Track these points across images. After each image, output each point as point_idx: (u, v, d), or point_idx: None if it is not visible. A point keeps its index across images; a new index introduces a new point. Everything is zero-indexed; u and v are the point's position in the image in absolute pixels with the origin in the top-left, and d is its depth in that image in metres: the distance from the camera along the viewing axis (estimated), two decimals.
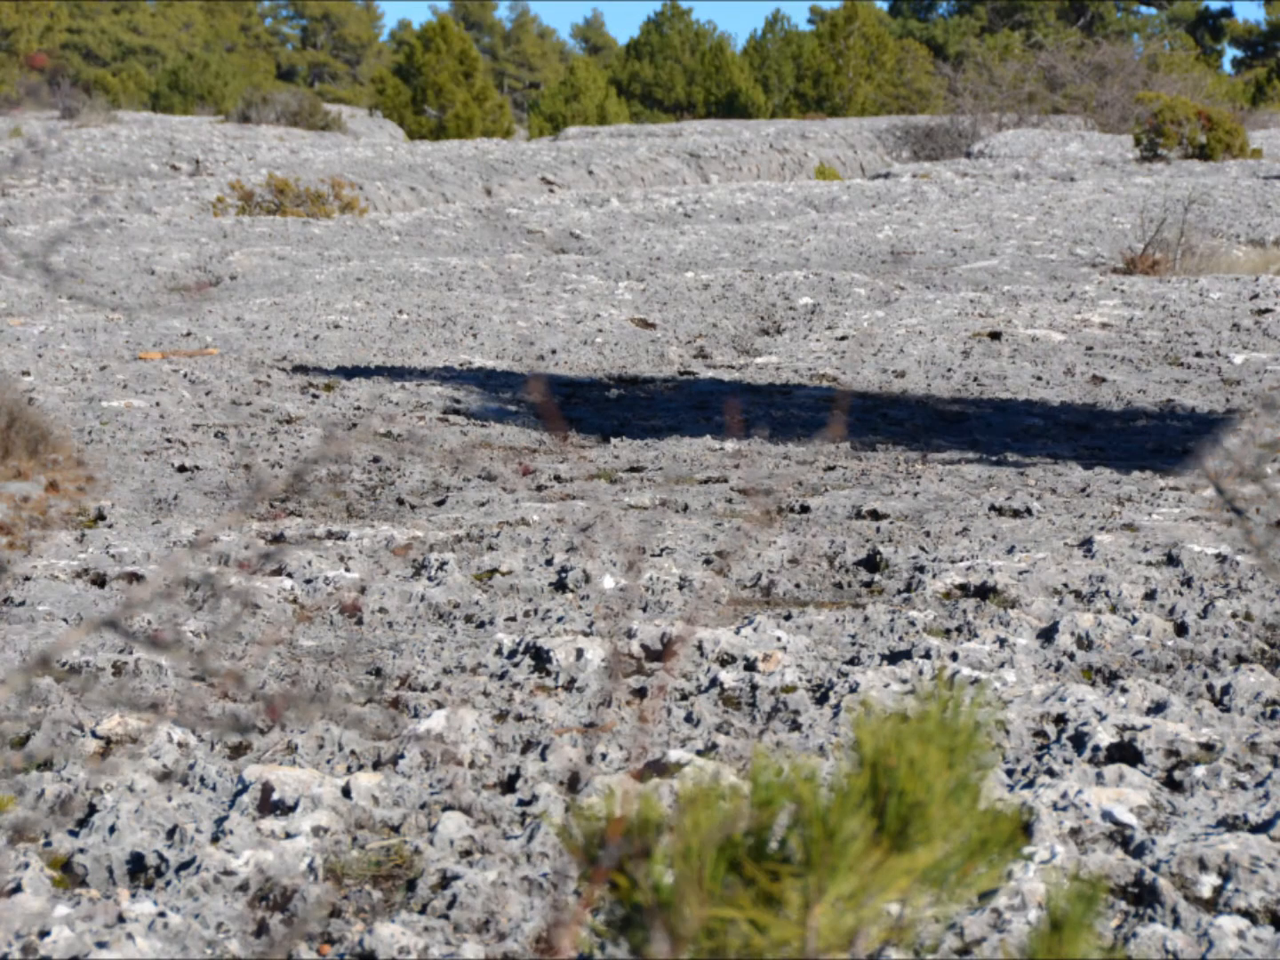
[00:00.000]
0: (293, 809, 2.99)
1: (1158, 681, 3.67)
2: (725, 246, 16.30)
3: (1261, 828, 2.84)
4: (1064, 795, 2.94)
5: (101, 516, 5.60)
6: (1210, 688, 3.58)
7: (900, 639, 3.95)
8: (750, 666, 3.74)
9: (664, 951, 1.43)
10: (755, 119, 46.25)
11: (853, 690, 3.55)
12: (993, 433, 7.36)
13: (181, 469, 6.60)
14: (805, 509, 5.55)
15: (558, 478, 6.41)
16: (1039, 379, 8.82)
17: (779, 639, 3.87)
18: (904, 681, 3.61)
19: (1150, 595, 4.30)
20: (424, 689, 3.68)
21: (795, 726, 3.44)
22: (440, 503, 6.00)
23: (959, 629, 4.04)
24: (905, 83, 49.55)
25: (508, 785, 3.17)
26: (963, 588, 4.42)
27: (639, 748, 3.30)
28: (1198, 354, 9.32)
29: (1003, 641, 3.90)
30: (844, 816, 1.41)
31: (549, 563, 4.74)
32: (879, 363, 9.38)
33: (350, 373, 9.01)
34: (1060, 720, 3.37)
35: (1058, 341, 9.71)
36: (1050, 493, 5.73)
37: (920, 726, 1.45)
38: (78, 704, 3.55)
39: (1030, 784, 3.07)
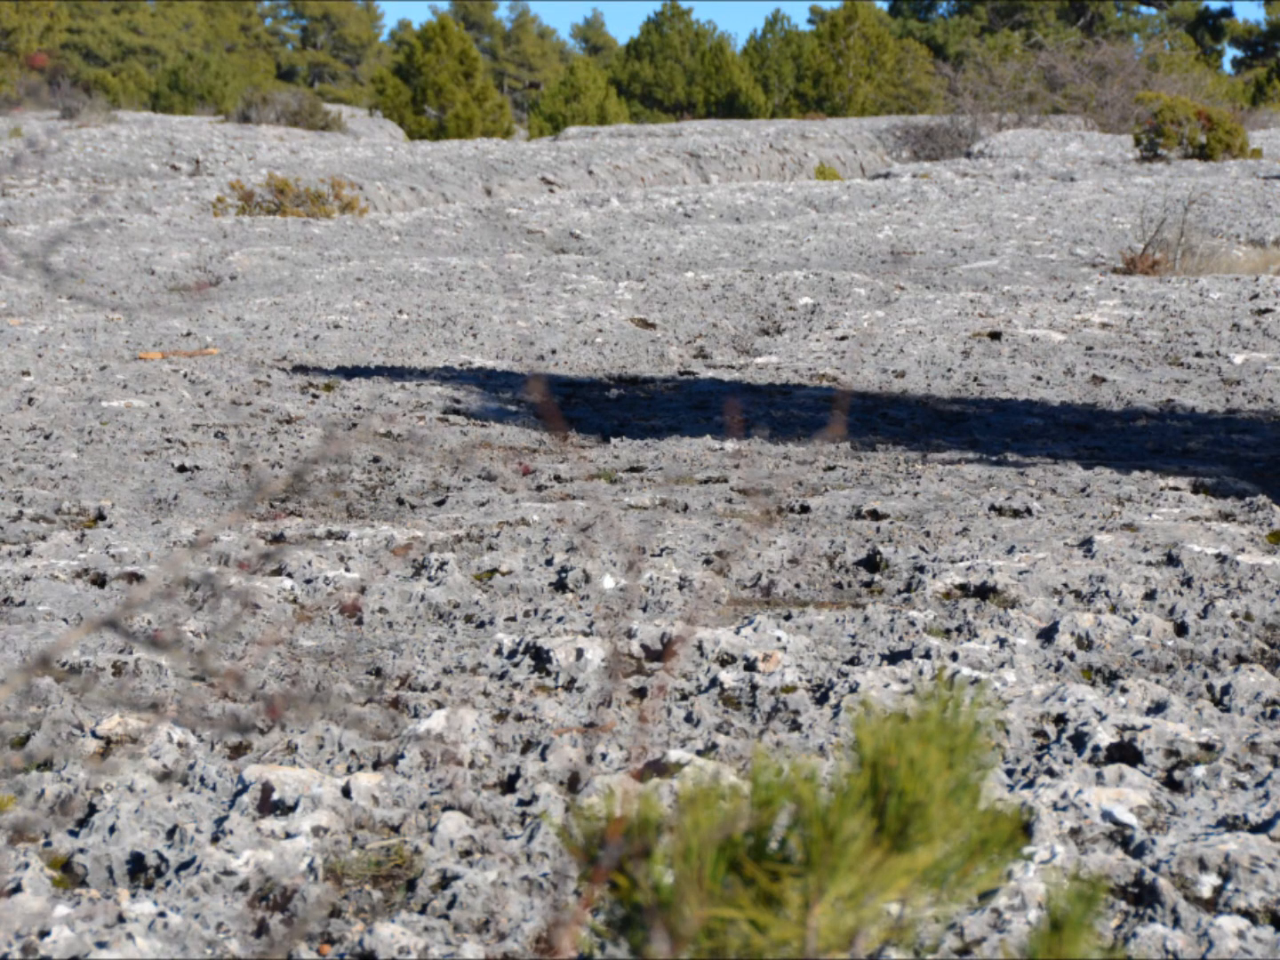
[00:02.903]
0: (293, 809, 2.99)
1: (1158, 681, 3.67)
2: (725, 246, 16.30)
3: (1261, 828, 2.83)
4: (1064, 795, 2.94)
5: (101, 516, 5.60)
6: (1210, 688, 3.58)
7: (900, 639, 3.95)
8: (750, 666, 3.74)
9: (664, 951, 1.43)
10: (755, 119, 46.26)
11: (853, 690, 3.55)
12: (993, 433, 7.36)
13: (181, 469, 6.60)
14: (805, 509, 5.55)
15: (558, 478, 6.41)
16: (1039, 379, 8.82)
17: (779, 639, 3.87)
18: (904, 681, 3.61)
19: (1150, 595, 4.30)
20: (424, 689, 3.68)
21: (795, 726, 3.44)
22: (440, 503, 6.00)
23: (959, 629, 4.03)
24: (905, 83, 49.56)
25: (508, 785, 3.16)
26: (963, 588, 4.42)
27: (639, 748, 3.30)
28: (1198, 354, 9.32)
29: (1003, 641, 3.90)
30: (844, 816, 1.41)
31: (549, 563, 4.74)
32: (879, 363, 9.38)
33: (350, 373, 9.01)
34: (1060, 720, 3.37)
35: (1058, 341, 9.71)
36: (1050, 493, 5.73)
37: (920, 726, 1.45)
38: (78, 704, 3.54)
39: (1030, 784, 3.07)
